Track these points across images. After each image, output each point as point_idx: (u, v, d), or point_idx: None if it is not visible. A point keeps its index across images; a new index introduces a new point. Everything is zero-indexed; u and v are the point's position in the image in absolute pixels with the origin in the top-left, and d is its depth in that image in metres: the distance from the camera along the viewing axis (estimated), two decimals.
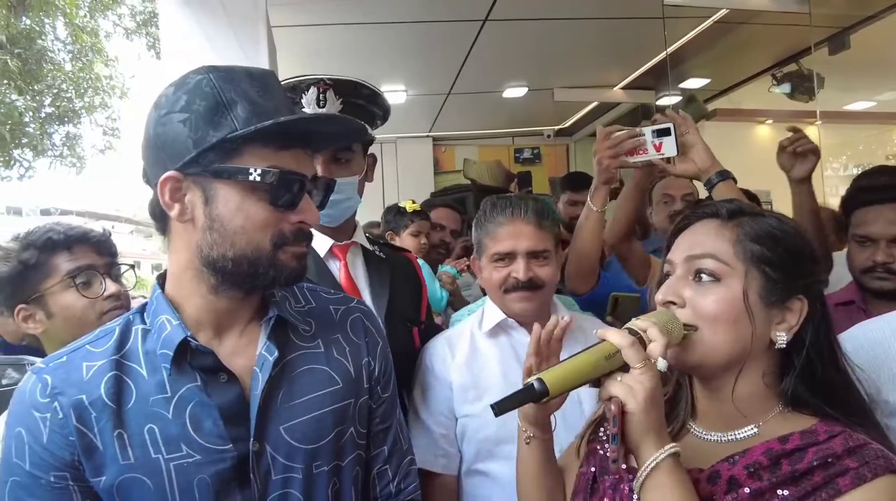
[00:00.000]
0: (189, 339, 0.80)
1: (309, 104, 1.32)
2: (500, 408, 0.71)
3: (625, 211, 1.79)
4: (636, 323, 0.77)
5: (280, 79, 1.28)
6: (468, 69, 4.01)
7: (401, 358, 1.32)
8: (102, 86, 10.81)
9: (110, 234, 1.34)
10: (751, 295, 0.78)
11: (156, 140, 0.79)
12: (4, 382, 1.37)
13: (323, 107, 1.32)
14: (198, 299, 0.82)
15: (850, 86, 4.49)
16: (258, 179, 0.76)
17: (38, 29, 9.55)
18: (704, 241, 0.82)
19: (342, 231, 1.41)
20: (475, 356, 1.38)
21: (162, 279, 0.86)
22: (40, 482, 0.75)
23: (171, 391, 0.79)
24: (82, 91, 10.34)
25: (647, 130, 1.40)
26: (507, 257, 1.35)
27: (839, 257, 2.13)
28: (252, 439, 0.80)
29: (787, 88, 3.94)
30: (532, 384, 0.72)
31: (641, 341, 0.75)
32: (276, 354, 0.83)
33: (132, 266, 1.36)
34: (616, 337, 0.74)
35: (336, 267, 1.38)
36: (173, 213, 0.79)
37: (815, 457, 0.71)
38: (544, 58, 3.93)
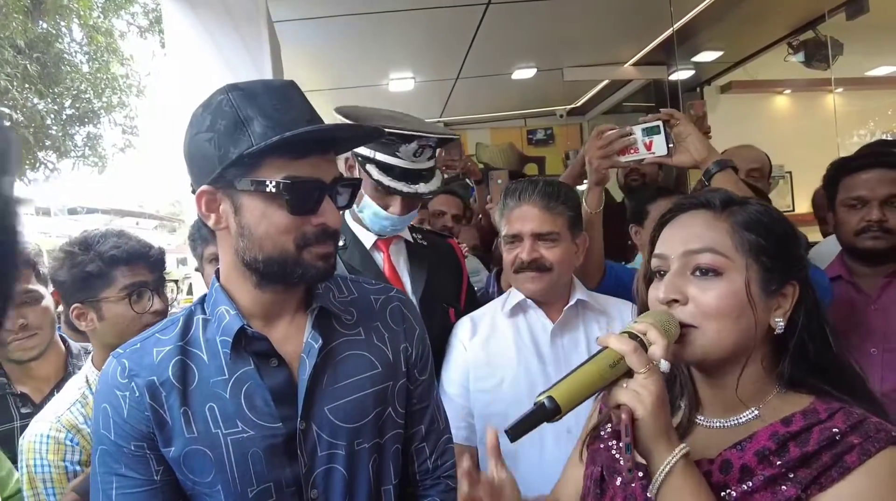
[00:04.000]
0: (245, 327, 0.88)
1: (406, 155, 1.41)
2: (514, 433, 0.69)
3: None
4: (635, 327, 0.77)
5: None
6: (475, 53, 3.98)
7: (437, 338, 1.44)
8: (119, 85, 10.95)
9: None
10: (752, 287, 0.77)
11: (190, 158, 0.87)
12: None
13: (419, 156, 1.42)
14: (246, 294, 0.91)
15: (872, 51, 4.34)
16: (273, 190, 0.81)
17: (54, 32, 9.70)
18: (701, 234, 0.80)
19: None
20: (493, 335, 1.46)
21: (218, 274, 0.95)
22: (123, 450, 0.86)
23: (229, 373, 0.88)
24: (100, 91, 10.50)
25: (637, 129, 1.39)
26: (516, 239, 1.41)
27: (831, 240, 2.11)
28: (299, 418, 0.88)
29: (802, 56, 3.82)
30: (543, 403, 0.70)
31: (642, 344, 0.74)
32: (321, 341, 0.91)
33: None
34: (618, 344, 0.73)
35: (380, 258, 1.51)
36: (210, 222, 0.88)
37: (821, 437, 0.72)
38: (551, 37, 3.88)
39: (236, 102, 0.83)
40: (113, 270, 1.32)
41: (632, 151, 1.41)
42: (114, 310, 1.32)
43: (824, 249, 2.03)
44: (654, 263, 0.84)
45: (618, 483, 0.86)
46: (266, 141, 0.79)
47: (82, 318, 1.33)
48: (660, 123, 1.35)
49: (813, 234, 2.46)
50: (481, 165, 4.72)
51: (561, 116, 5.83)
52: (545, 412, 0.69)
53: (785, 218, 0.83)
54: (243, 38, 2.28)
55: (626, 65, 4.55)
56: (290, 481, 0.88)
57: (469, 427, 1.42)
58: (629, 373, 0.73)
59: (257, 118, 0.82)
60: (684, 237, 0.81)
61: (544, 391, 0.71)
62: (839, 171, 1.67)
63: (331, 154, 0.89)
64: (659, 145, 1.36)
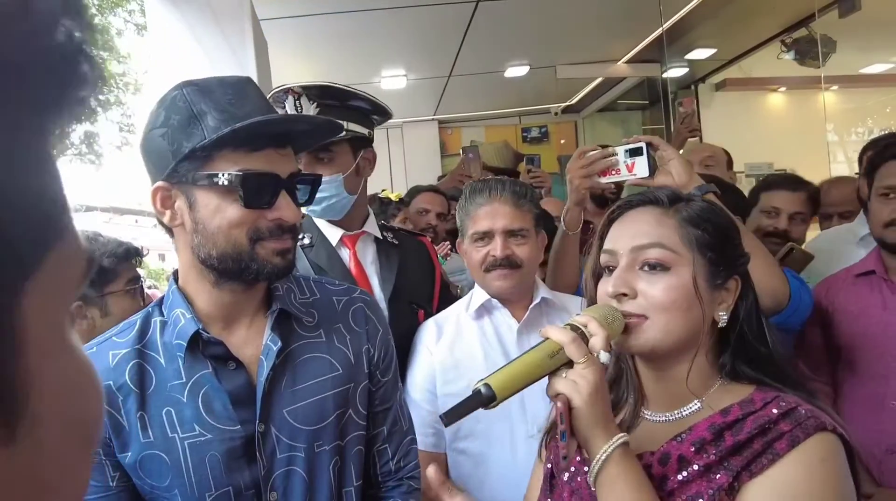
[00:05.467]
0: (201, 332, 0.86)
1: (290, 111, 1.38)
2: (448, 418, 0.70)
3: None
4: (576, 319, 0.78)
5: (272, 75, 1.36)
6: (466, 51, 3.97)
7: (403, 339, 1.43)
8: (116, 83, 10.94)
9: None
10: (699, 281, 0.79)
11: (146, 154, 0.86)
12: None
13: (300, 112, 1.39)
14: (205, 295, 0.89)
15: (865, 48, 4.33)
16: (226, 183, 0.80)
17: None
18: (649, 230, 0.81)
19: (351, 223, 1.50)
20: (459, 337, 1.44)
21: (176, 274, 0.93)
22: None
23: (186, 377, 0.87)
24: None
25: (620, 150, 1.36)
26: (486, 237, 1.39)
27: (830, 233, 2.10)
28: (258, 421, 0.87)
29: (795, 54, 3.81)
30: (479, 389, 0.71)
31: (584, 336, 0.75)
32: (280, 344, 0.90)
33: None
34: (557, 334, 0.75)
35: (347, 256, 1.49)
36: (165, 219, 0.86)
37: (754, 426, 0.73)
38: (543, 35, 3.87)
39: (190, 97, 0.82)
40: (120, 265, 1.34)
41: (613, 172, 1.39)
42: (121, 304, 1.32)
43: (817, 244, 2.01)
44: (604, 258, 0.85)
45: (565, 478, 0.87)
46: (218, 133, 0.79)
47: (81, 317, 1.31)
48: (643, 144, 1.33)
49: (810, 232, 2.44)
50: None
51: (555, 113, 5.82)
52: (481, 399, 0.71)
53: (727, 214, 0.85)
54: (226, 37, 2.27)
55: (619, 62, 4.54)
56: (249, 484, 0.87)
57: (437, 434, 1.40)
58: (570, 364, 0.74)
59: (211, 112, 0.81)
60: (632, 233, 0.82)
61: (482, 379, 0.72)
62: (880, 157, 1.53)
63: (287, 149, 0.88)
64: (641, 167, 1.33)
